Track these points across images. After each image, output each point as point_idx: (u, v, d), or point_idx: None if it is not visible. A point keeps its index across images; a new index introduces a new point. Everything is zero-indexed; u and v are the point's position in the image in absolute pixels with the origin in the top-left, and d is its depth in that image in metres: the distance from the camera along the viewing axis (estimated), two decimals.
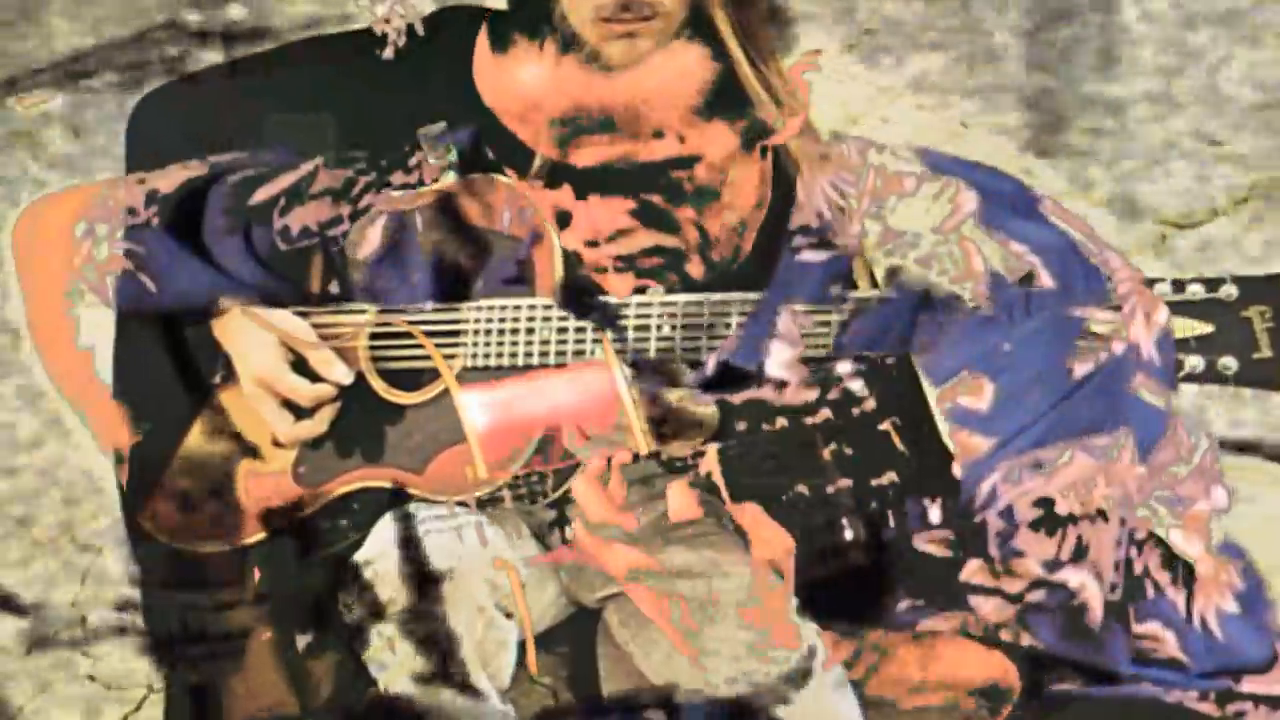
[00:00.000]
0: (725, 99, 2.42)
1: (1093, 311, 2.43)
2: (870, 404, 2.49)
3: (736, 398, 2.52)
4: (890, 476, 2.50)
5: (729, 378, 2.51)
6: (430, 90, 2.71)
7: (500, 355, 2.61)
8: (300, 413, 2.71)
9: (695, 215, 2.47)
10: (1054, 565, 2.43)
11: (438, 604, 2.56)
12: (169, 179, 2.75)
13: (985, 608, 2.44)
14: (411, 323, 2.66)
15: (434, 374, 2.67)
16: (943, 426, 2.46)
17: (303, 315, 2.72)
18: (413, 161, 2.67)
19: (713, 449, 2.50)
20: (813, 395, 2.51)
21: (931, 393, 2.46)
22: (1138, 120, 3.29)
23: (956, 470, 2.44)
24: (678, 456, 2.55)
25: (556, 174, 2.45)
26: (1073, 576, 2.43)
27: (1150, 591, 2.53)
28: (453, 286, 2.63)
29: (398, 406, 2.71)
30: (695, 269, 2.51)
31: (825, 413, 2.50)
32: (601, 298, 2.53)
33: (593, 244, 2.49)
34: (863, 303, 2.46)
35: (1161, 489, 2.54)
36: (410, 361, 2.69)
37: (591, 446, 2.55)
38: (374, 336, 2.70)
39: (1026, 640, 2.44)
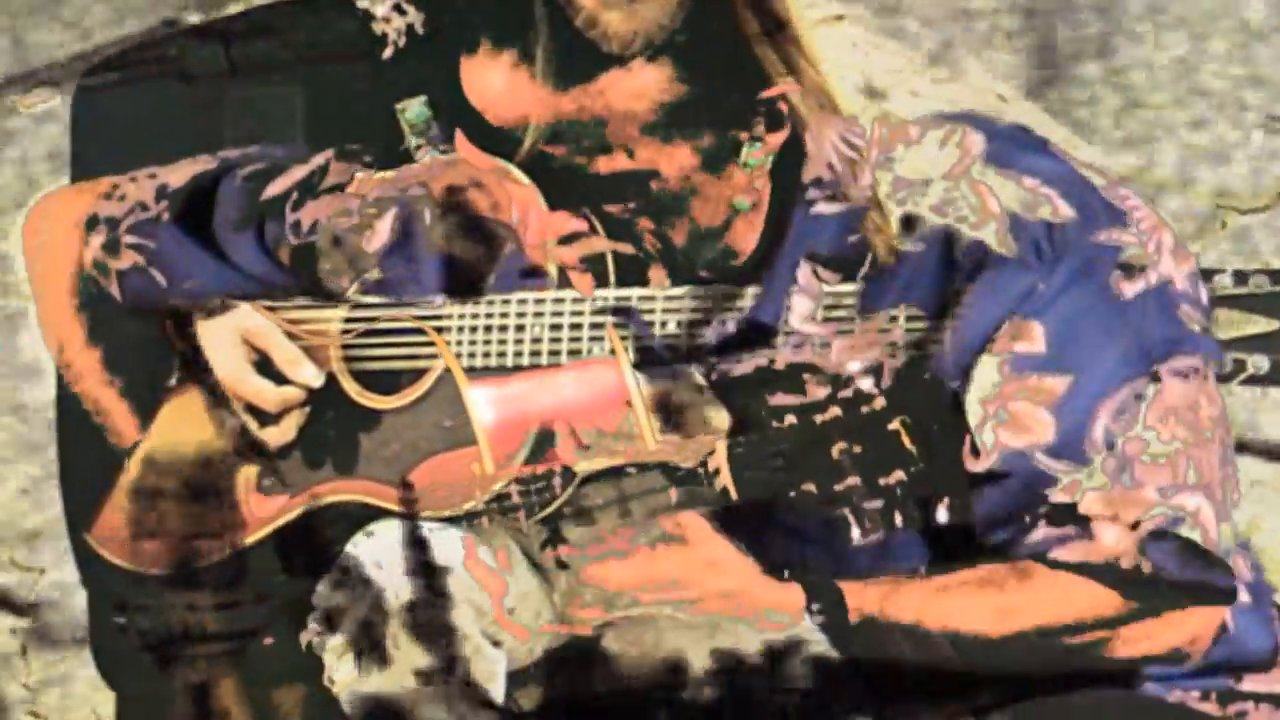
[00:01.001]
0: (688, 119, 2.42)
1: (1118, 235, 2.43)
2: (880, 402, 2.48)
3: (745, 396, 2.51)
4: (899, 475, 2.49)
5: (751, 335, 2.51)
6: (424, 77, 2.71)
7: (488, 355, 2.58)
8: (264, 419, 2.66)
9: (654, 225, 2.47)
10: (1169, 491, 2.44)
11: (443, 599, 2.55)
12: (179, 173, 2.74)
13: (1106, 537, 2.44)
14: (388, 318, 2.61)
15: (414, 376, 2.58)
16: (973, 418, 2.45)
17: (270, 310, 2.69)
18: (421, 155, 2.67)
19: (721, 446, 2.49)
20: (823, 393, 2.51)
21: (979, 387, 2.45)
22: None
23: (1035, 431, 2.43)
24: (684, 466, 2.53)
25: (528, 171, 2.46)
26: (1189, 500, 2.44)
27: None
28: (464, 279, 2.63)
29: (374, 412, 2.61)
30: (657, 275, 2.52)
31: (835, 410, 2.50)
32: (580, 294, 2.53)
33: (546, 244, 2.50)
34: (886, 261, 2.48)
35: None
36: (388, 362, 2.61)
37: (595, 448, 2.54)
38: (351, 334, 2.62)
39: (1148, 567, 2.44)
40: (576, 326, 2.52)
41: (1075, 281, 2.44)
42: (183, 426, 2.71)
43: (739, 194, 2.48)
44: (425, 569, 2.54)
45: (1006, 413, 2.44)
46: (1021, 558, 2.46)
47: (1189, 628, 2.49)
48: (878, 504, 2.51)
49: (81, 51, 2.63)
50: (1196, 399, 2.46)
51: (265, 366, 2.64)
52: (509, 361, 2.56)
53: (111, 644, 2.79)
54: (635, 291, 2.52)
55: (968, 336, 2.46)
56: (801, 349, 2.49)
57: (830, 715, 2.50)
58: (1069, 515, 2.45)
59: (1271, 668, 2.58)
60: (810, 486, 2.52)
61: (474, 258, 2.59)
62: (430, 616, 2.53)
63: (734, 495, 2.51)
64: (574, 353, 2.55)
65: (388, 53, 2.86)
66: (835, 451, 2.50)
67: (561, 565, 2.61)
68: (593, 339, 2.52)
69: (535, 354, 2.56)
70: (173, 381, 2.73)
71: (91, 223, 2.75)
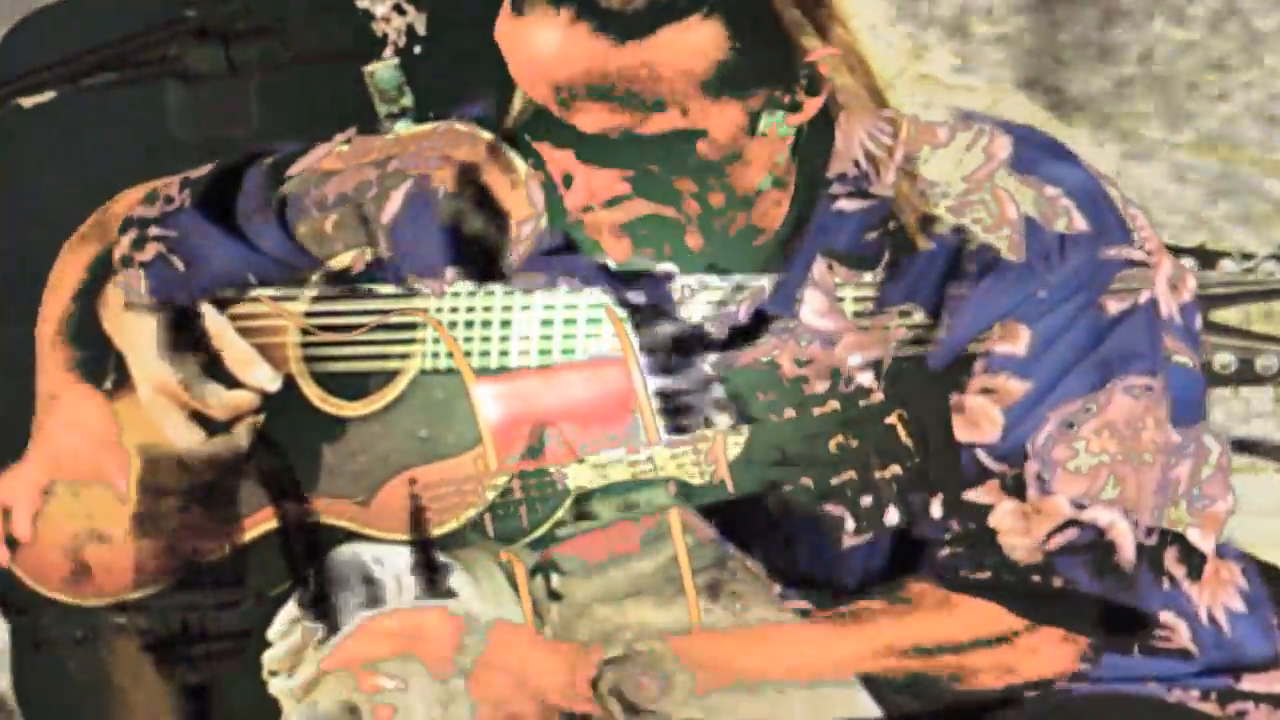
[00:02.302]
0: (739, 78, 2.43)
1: (1127, 251, 2.43)
2: (878, 396, 2.48)
3: (744, 389, 2.51)
4: (895, 469, 2.49)
5: (761, 326, 2.51)
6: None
7: (469, 355, 2.51)
8: (213, 427, 2.57)
9: (695, 188, 2.47)
10: (1083, 501, 2.43)
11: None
12: (206, 169, 2.75)
13: (1016, 551, 2.43)
14: (351, 313, 2.49)
15: (385, 379, 2.47)
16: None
17: (219, 306, 2.61)
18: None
19: (721, 438, 2.48)
20: (823, 386, 2.51)
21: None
22: None
23: (982, 428, 2.43)
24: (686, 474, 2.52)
25: (561, 134, 2.44)
26: (1102, 515, 2.42)
27: (1166, 584, 2.53)
28: (479, 257, 2.60)
29: (338, 420, 2.48)
30: (694, 240, 2.51)
31: (834, 404, 2.50)
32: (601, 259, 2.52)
33: (589, 209, 2.48)
34: (899, 256, 2.48)
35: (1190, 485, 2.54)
36: (356, 362, 2.50)
37: (603, 447, 2.52)
38: (311, 329, 2.50)
39: (1057, 582, 2.42)
40: (571, 321, 2.52)
41: (1071, 293, 2.44)
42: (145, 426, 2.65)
43: (768, 166, 2.48)
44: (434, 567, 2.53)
45: (964, 407, 2.44)
46: (935, 573, 2.46)
47: (1052, 659, 2.47)
48: (870, 500, 2.51)
49: (80, 50, 2.62)
50: (1143, 419, 2.45)
51: (213, 368, 2.49)
52: (493, 364, 2.53)
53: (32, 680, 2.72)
54: (663, 266, 2.51)
55: (959, 336, 2.46)
56: (810, 344, 2.49)
57: None
58: (975, 518, 2.44)
59: (1273, 670, 2.59)
60: (807, 480, 2.52)
61: (488, 235, 2.57)
62: None
63: (730, 489, 2.50)
64: (567, 351, 2.53)
65: (387, 52, 2.87)
66: (833, 445, 2.50)
67: (554, 596, 2.59)
68: (589, 335, 2.51)
69: (523, 353, 2.55)
70: (108, 384, 2.64)
71: (125, 225, 2.75)
